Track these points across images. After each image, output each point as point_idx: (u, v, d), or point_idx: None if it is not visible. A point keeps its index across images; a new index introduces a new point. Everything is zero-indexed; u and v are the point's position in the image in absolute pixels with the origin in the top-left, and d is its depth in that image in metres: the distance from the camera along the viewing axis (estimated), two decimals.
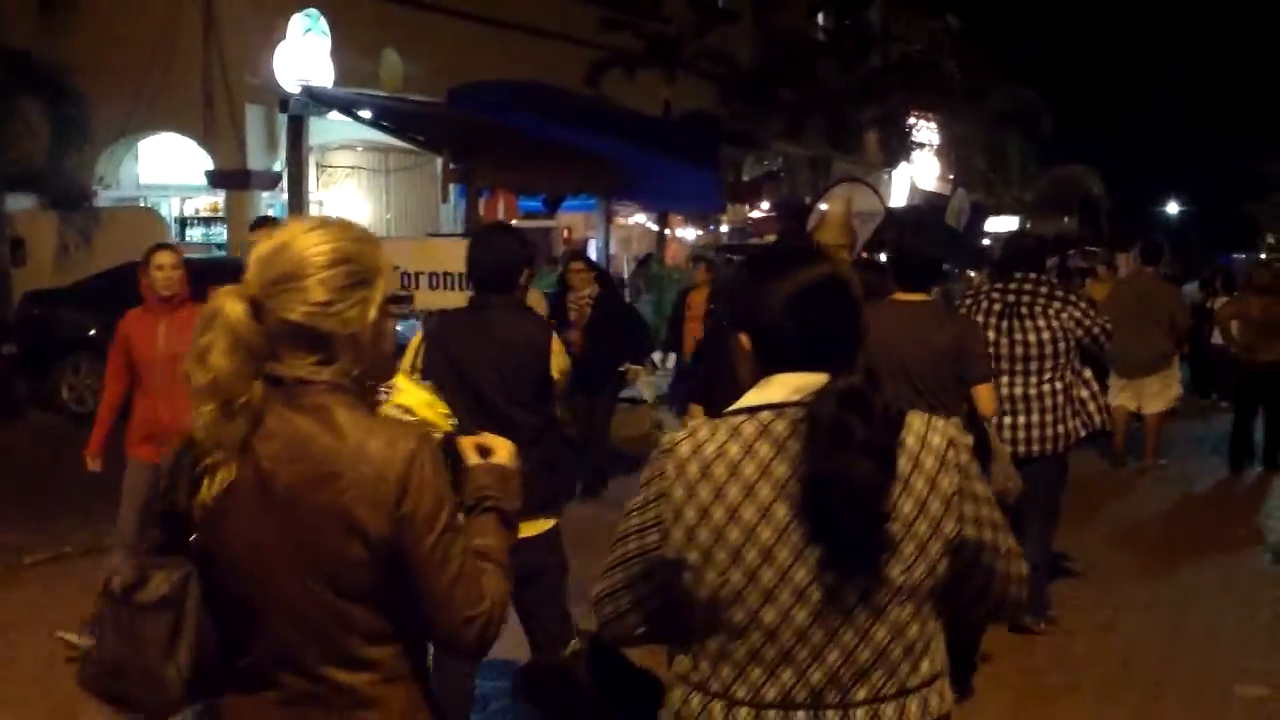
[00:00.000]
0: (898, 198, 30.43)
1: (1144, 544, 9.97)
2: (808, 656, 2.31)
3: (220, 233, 19.99)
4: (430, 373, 4.59)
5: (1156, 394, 12.96)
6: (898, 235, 7.39)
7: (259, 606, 2.35)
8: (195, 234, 20.74)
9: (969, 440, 2.45)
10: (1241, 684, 6.82)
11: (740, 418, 2.37)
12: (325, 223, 2.44)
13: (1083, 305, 7.17)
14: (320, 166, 20.77)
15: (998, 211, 38.37)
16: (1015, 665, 6.85)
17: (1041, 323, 6.97)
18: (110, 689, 2.43)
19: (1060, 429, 7.10)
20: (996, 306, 7.10)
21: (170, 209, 20.68)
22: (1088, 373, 7.45)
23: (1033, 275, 7.18)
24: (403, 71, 20.16)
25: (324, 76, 18.71)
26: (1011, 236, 8.29)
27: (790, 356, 2.37)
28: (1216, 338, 16.76)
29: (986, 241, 33.93)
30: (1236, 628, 7.88)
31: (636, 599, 2.45)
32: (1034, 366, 7.03)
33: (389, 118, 18.74)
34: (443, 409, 2.85)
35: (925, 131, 36.54)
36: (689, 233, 27.33)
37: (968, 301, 7.45)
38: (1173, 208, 74.69)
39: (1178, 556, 9.63)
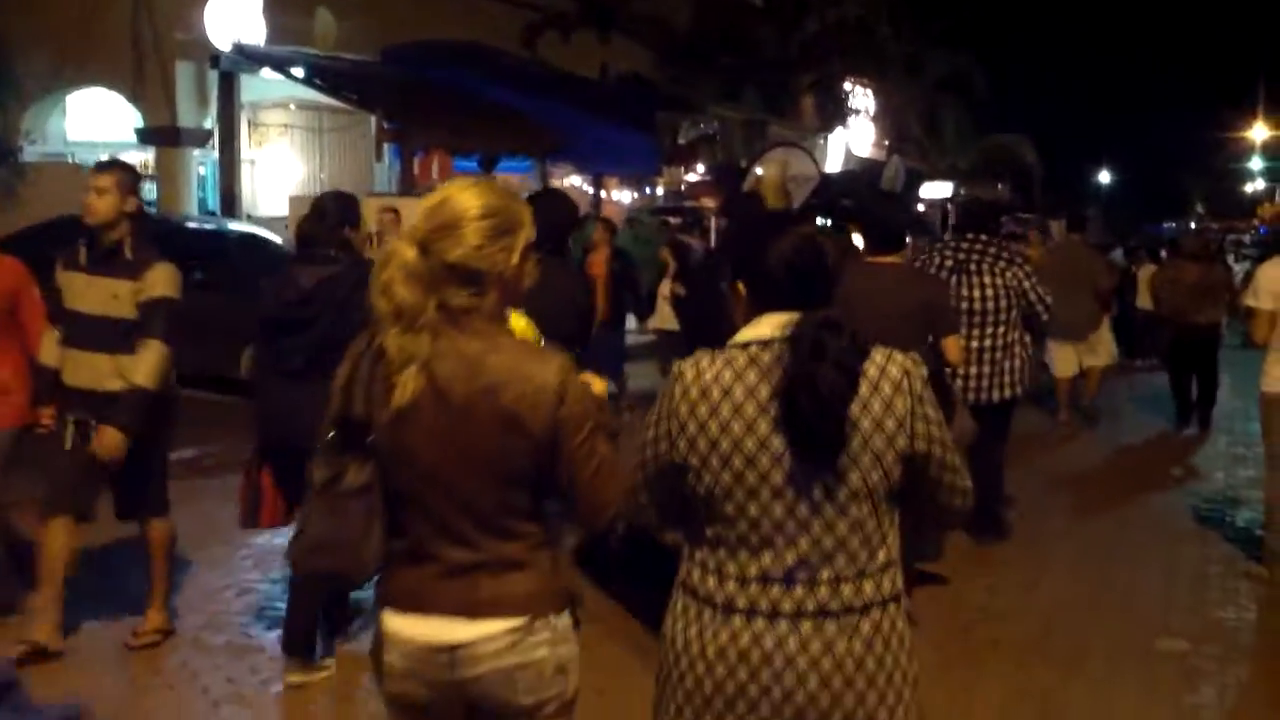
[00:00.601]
0: (833, 163, 30.49)
1: (1070, 503, 10.11)
2: (783, 543, 2.84)
3: (150, 190, 19.72)
4: None
5: (1093, 350, 13.69)
6: (870, 202, 8.25)
7: (430, 493, 2.90)
8: None
9: (924, 371, 2.92)
10: (1163, 639, 6.94)
11: (734, 351, 2.91)
12: (479, 182, 3.00)
13: (1027, 268, 7.75)
14: (253, 124, 20.53)
15: (932, 178, 38.53)
16: (941, 623, 6.92)
17: (988, 279, 7.56)
18: (318, 564, 3.04)
19: (1005, 379, 7.76)
20: (948, 263, 7.69)
21: None
22: (1026, 337, 8.00)
23: (983, 236, 7.77)
24: (336, 30, 19.92)
25: (256, 33, 18.46)
26: (965, 200, 8.88)
27: (779, 299, 2.92)
28: (1141, 302, 17.23)
29: (921, 208, 34.10)
30: (1159, 585, 8.00)
31: (653, 496, 3.03)
32: (979, 320, 7.64)
33: (322, 76, 18.54)
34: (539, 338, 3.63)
35: (861, 98, 36.62)
36: (625, 195, 27.28)
37: (921, 258, 8.00)
38: (1105, 177, 75.44)
39: (1103, 516, 9.78)
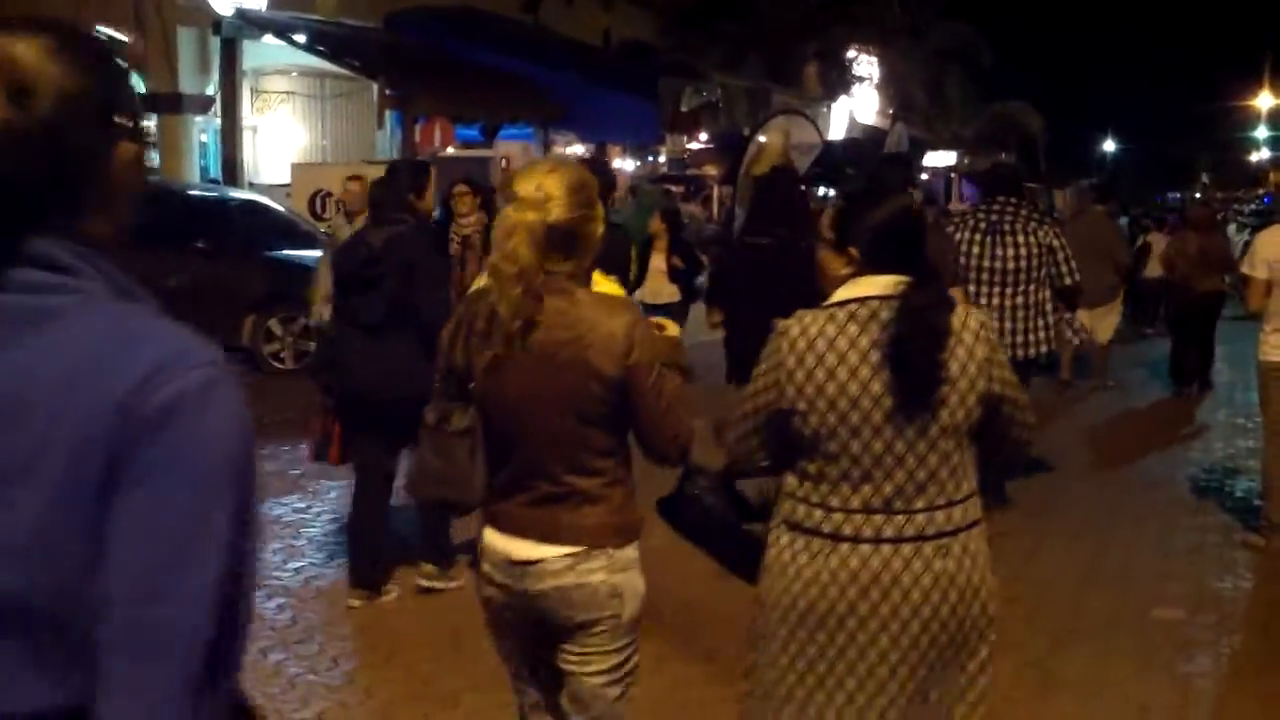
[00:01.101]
0: (836, 131, 30.44)
1: (1070, 473, 10.13)
2: (881, 476, 3.23)
3: (153, 158, 19.69)
4: None
5: (1103, 322, 13.70)
6: (876, 166, 8.43)
7: (521, 434, 3.33)
8: None
9: (994, 324, 3.38)
10: (1159, 608, 6.97)
11: (835, 309, 3.29)
12: (563, 161, 3.49)
13: (1057, 229, 8.05)
14: (254, 91, 20.45)
15: (936, 146, 38.45)
16: None
17: (1021, 239, 7.85)
18: (433, 493, 3.49)
19: (1034, 337, 8.01)
20: (981, 225, 8.00)
21: None
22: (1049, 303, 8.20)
23: (1013, 200, 8.07)
24: None
25: None
26: (994, 165, 9.13)
27: (883, 261, 3.29)
28: (1150, 271, 17.26)
29: (925, 176, 34.05)
30: (1156, 555, 8.03)
31: (761, 439, 3.40)
32: (1010, 279, 7.92)
33: (324, 42, 18.50)
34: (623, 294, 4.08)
35: (865, 65, 36.50)
36: (627, 163, 27.25)
37: (955, 221, 8.36)
38: (1110, 146, 75.23)
39: (1102, 487, 9.81)
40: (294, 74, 21.06)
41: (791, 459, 3.36)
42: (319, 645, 6.27)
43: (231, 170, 18.48)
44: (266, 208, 15.55)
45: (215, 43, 18.18)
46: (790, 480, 3.39)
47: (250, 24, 17.94)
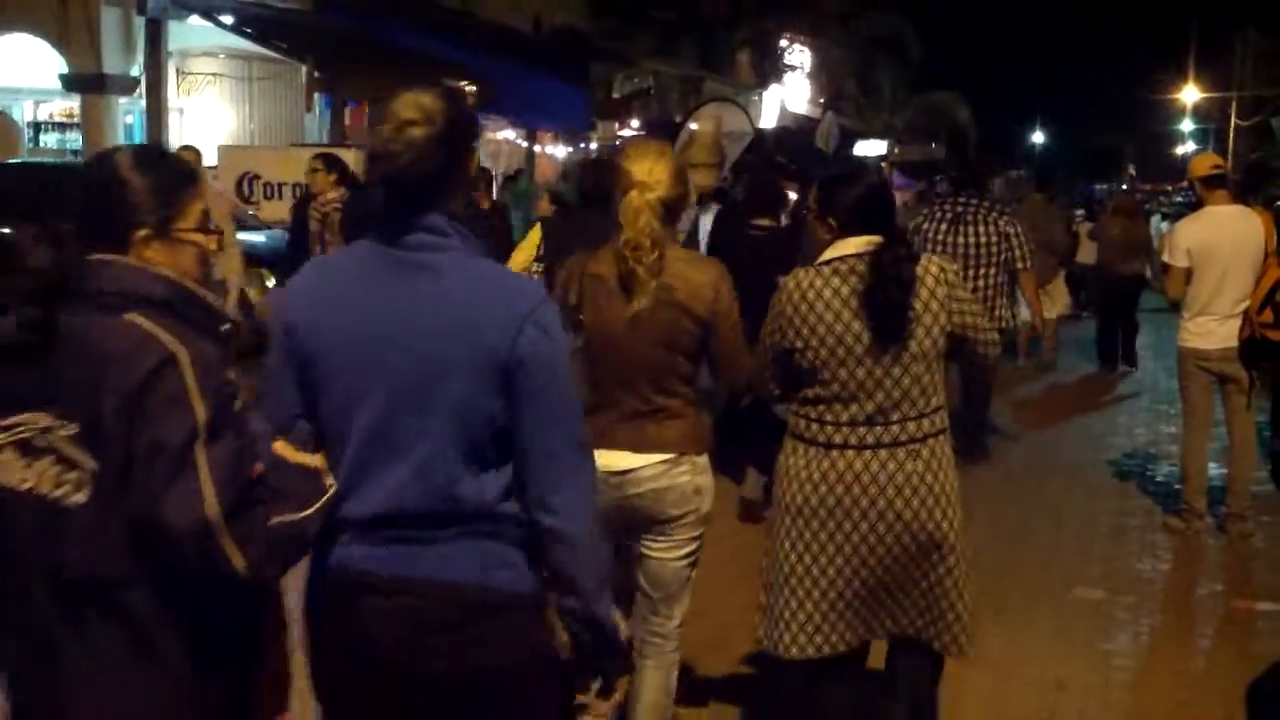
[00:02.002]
0: (768, 119, 30.50)
1: (994, 454, 10.23)
2: (864, 396, 4.02)
3: (76, 139, 19.39)
4: (547, 256, 6.96)
5: (1051, 299, 14.50)
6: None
7: (620, 359, 4.08)
8: (50, 140, 20.10)
9: (954, 267, 4.15)
10: (1080, 588, 7.06)
11: (822, 266, 4.08)
12: (660, 145, 4.32)
13: (1015, 222, 8.65)
14: (180, 73, 20.19)
15: (867, 136, 38.65)
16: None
17: (981, 228, 8.48)
18: None
19: (994, 315, 8.40)
20: (948, 215, 8.63)
21: (23, 113, 19.97)
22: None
23: (976, 194, 8.77)
24: None
25: None
26: (960, 163, 9.80)
27: (855, 228, 4.08)
28: (1081, 257, 17.61)
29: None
30: (1078, 537, 8.14)
31: (773, 372, 4.21)
32: (972, 263, 8.49)
33: (252, 24, 18.29)
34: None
35: (797, 54, 36.61)
36: (559, 149, 27.18)
37: (924, 212, 9.14)
38: (1039, 137, 75.92)
39: (1026, 470, 9.95)
40: (221, 55, 20.82)
41: (795, 386, 4.17)
42: None
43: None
44: None
45: (140, 23, 17.88)
46: (795, 401, 4.20)
47: (176, 4, 17.67)
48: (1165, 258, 8.14)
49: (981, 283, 8.50)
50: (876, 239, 4.04)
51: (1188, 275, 7.87)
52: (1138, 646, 6.37)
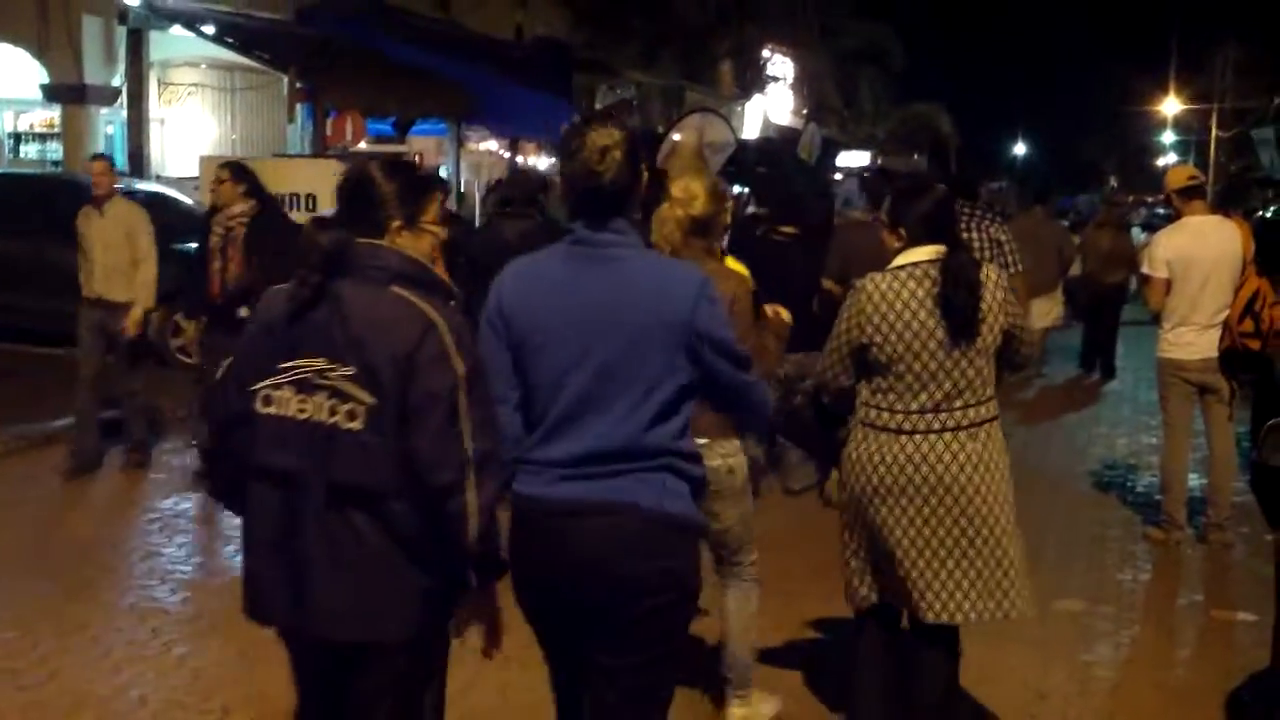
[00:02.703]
0: (750, 130, 30.57)
1: None
2: (933, 386, 4.54)
3: (56, 149, 19.33)
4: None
5: (1043, 312, 14.18)
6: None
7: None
8: (30, 150, 20.01)
9: (1005, 274, 4.88)
10: (1061, 599, 7.06)
11: (896, 270, 4.58)
12: (701, 169, 4.95)
13: (1005, 230, 8.55)
14: (162, 83, 20.15)
15: (849, 147, 38.74)
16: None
17: (975, 234, 8.30)
18: None
19: None
20: None
21: (3, 123, 19.91)
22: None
23: (969, 202, 8.57)
24: None
25: None
26: (956, 175, 9.86)
27: (925, 238, 4.59)
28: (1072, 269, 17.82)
29: (838, 176, 34.26)
30: (1059, 548, 8.14)
31: (845, 366, 4.70)
32: None
33: (234, 34, 18.28)
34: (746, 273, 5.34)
35: (780, 65, 36.68)
36: (541, 160, 27.17)
37: None
38: (1020, 148, 76.15)
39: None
40: (203, 66, 20.79)
41: (867, 377, 4.66)
42: (223, 638, 6.20)
43: (138, 163, 18.21)
44: (174, 201, 15.32)
45: (121, 33, 17.89)
46: (864, 392, 4.68)
47: (158, 14, 17.70)
48: (1145, 269, 8.17)
49: None
50: (943, 247, 4.57)
51: (1167, 286, 7.90)
52: (1118, 657, 6.38)
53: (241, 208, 8.71)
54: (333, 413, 3.16)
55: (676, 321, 3.35)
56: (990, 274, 4.58)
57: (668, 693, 3.63)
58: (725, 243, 6.98)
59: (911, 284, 4.53)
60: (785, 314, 4.97)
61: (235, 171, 9.00)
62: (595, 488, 3.37)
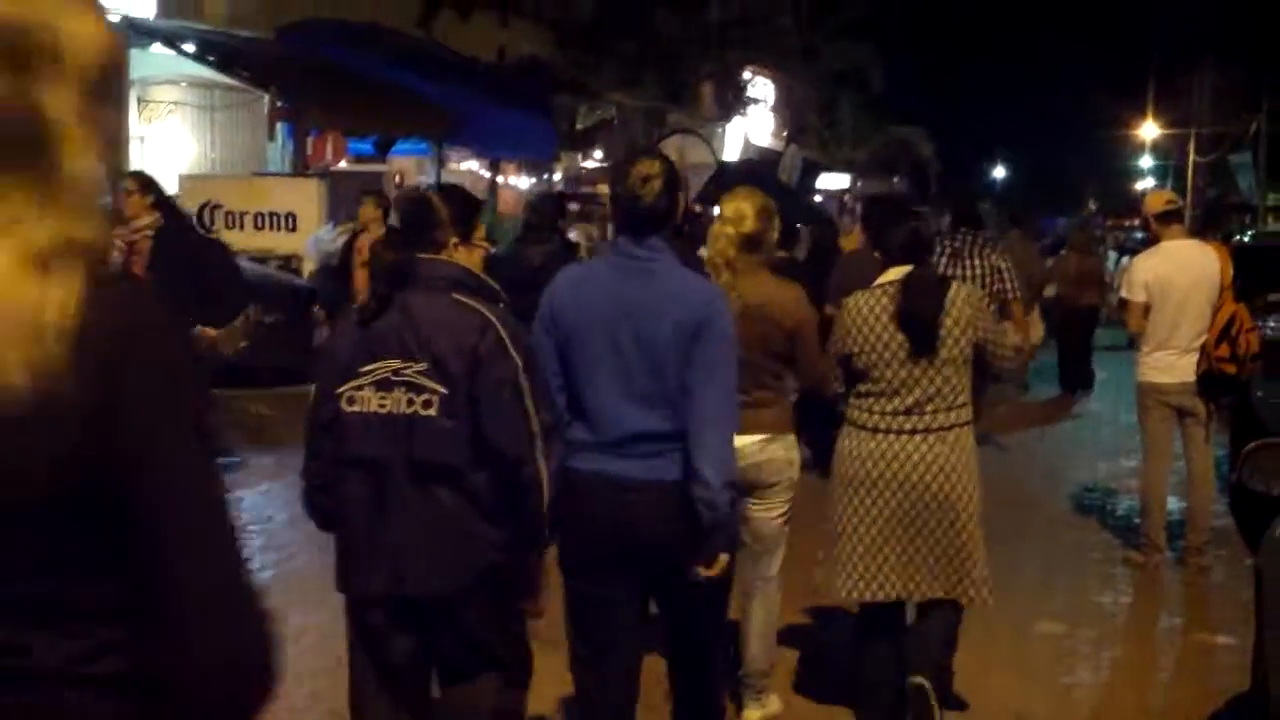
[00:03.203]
0: (731, 152, 30.62)
1: None
2: (905, 392, 5.09)
3: None
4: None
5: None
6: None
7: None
8: None
9: (980, 292, 5.99)
10: (1041, 621, 7.06)
11: (874, 289, 5.18)
12: (752, 191, 5.50)
13: (1006, 257, 9.26)
14: (141, 101, 20.08)
15: (830, 169, 38.82)
16: (825, 601, 6.97)
17: (977, 260, 8.97)
18: None
19: None
20: (947, 250, 9.11)
21: None
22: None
23: (973, 230, 9.33)
24: (229, 5, 19.61)
25: (146, 7, 18.10)
26: (959, 203, 10.34)
27: (899, 259, 5.22)
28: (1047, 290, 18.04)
29: (818, 199, 34.33)
30: (1039, 571, 8.15)
31: (836, 373, 5.30)
32: None
33: (214, 52, 18.23)
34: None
35: (761, 87, 36.76)
36: (522, 180, 27.16)
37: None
38: (1000, 172, 76.38)
39: (987, 503, 9.89)
40: (183, 84, 20.71)
41: (851, 383, 5.25)
42: None
43: (117, 180, 18.14)
44: None
45: None
46: (851, 395, 5.27)
47: (138, 31, 17.62)
48: (1124, 293, 8.20)
49: None
50: (908, 268, 5.16)
51: (1145, 309, 7.92)
52: (1098, 680, 6.38)
53: (147, 220, 8.42)
54: (410, 404, 3.74)
55: (691, 319, 3.95)
56: (961, 292, 5.13)
57: (724, 606, 4.44)
58: None
59: (884, 300, 5.11)
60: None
61: (142, 183, 8.63)
62: (634, 465, 3.97)
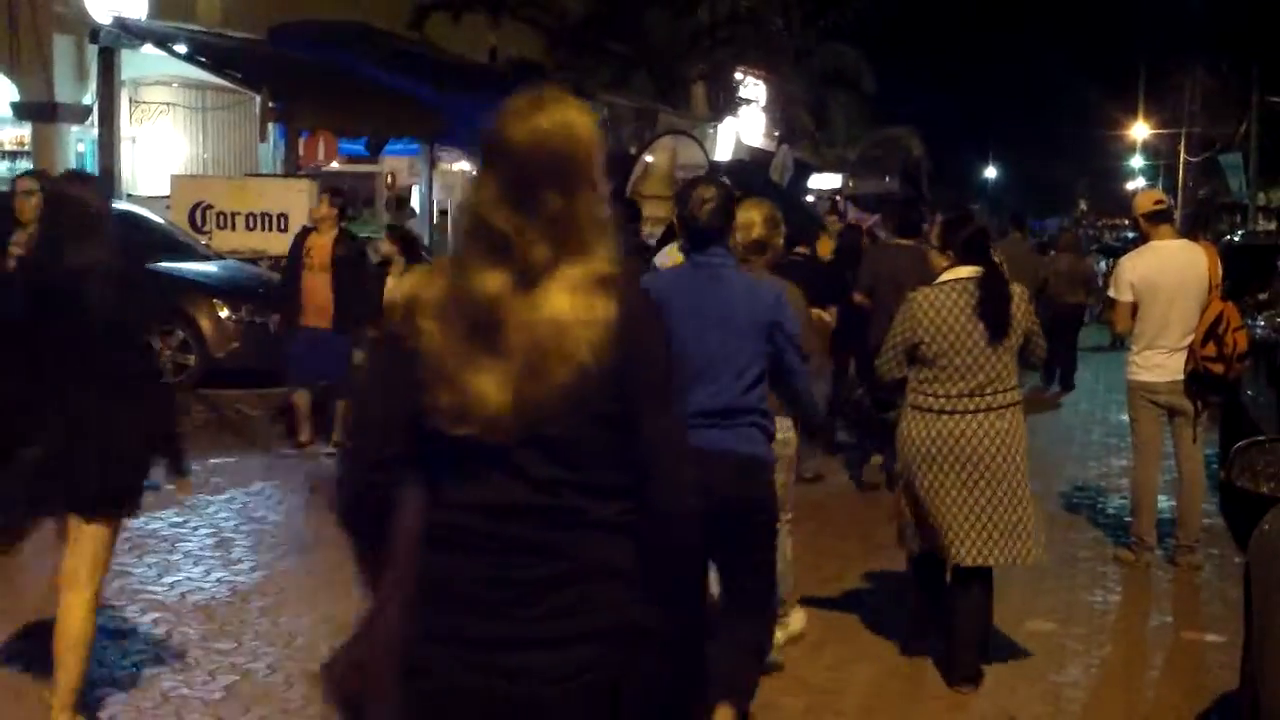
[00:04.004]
0: (723, 152, 30.58)
1: None
2: (970, 376, 5.85)
3: (27, 168, 19.22)
4: None
5: None
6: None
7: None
8: (0, 167, 19.93)
9: (1027, 290, 6.23)
10: (1032, 620, 7.08)
11: (942, 285, 5.94)
12: (760, 200, 6.03)
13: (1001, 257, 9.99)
14: (134, 102, 20.07)
15: (822, 169, 38.81)
16: (823, 617, 7.00)
17: (998, 257, 9.26)
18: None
19: None
20: None
21: None
22: None
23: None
24: (221, 6, 19.61)
25: (138, 8, 18.06)
26: (918, 195, 11.15)
27: (965, 259, 6.00)
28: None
29: (810, 199, 34.33)
30: (1028, 570, 8.12)
31: (899, 359, 6.02)
32: None
33: (206, 53, 18.22)
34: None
35: (752, 88, 36.75)
36: None
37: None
38: (991, 172, 76.43)
39: None
40: (175, 85, 20.72)
41: (915, 369, 5.95)
42: (195, 660, 6.16)
43: (109, 181, 18.09)
44: (145, 220, 15.25)
45: (93, 51, 17.79)
46: (913, 381, 5.97)
47: (129, 33, 17.61)
48: (1111, 293, 8.23)
49: None
50: (980, 268, 5.96)
51: (1134, 309, 7.95)
52: (1089, 678, 6.41)
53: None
54: None
55: (764, 319, 4.97)
56: (1016, 289, 6.01)
57: (771, 568, 5.31)
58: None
59: (954, 295, 5.88)
60: (828, 316, 7.10)
61: (38, 177, 8.31)
62: (707, 436, 4.50)
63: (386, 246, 11.13)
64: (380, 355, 2.86)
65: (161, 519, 8.55)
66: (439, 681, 2.62)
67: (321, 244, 10.70)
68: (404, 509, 2.66)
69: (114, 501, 5.06)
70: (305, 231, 11.12)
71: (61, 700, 5.01)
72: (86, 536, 5.00)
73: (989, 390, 5.86)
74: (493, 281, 2.58)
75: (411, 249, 11.26)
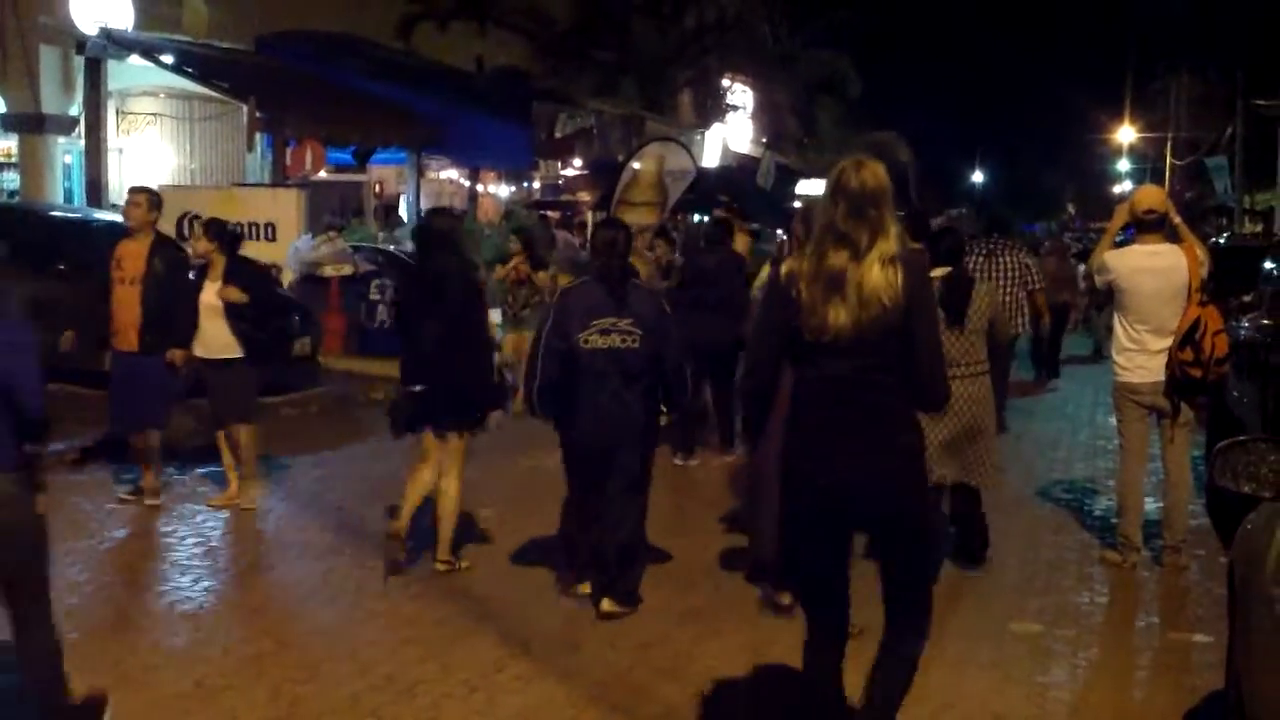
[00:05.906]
0: (710, 158, 30.62)
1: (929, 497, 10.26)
2: (946, 349, 6.22)
3: (14, 179, 19.20)
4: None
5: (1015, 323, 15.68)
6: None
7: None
8: None
9: (995, 289, 9.24)
10: (1018, 622, 7.10)
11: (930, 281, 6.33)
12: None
13: (1032, 259, 12.51)
14: (120, 113, 20.06)
15: (808, 175, 38.88)
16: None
17: (1008, 258, 11.93)
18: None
19: (1014, 321, 11.43)
20: (985, 250, 11.96)
21: None
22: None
23: (1005, 237, 12.61)
24: (207, 17, 19.61)
25: (124, 19, 18.06)
26: (993, 213, 12.44)
27: (941, 261, 7.59)
28: None
29: (797, 204, 34.33)
30: (1017, 571, 8.19)
31: None
32: (1003, 284, 11.61)
33: (192, 64, 18.24)
34: None
35: (739, 94, 36.82)
36: (502, 189, 27.18)
37: (969, 249, 11.16)
38: (978, 176, 76.59)
39: None
40: (162, 95, 20.72)
41: None
42: (178, 669, 6.15)
43: (96, 192, 18.08)
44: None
45: (79, 62, 17.79)
46: None
47: (115, 44, 17.62)
48: (1096, 276, 8.32)
49: (1008, 297, 11.46)
50: (949, 269, 7.64)
51: (1113, 298, 8.06)
52: (1075, 679, 6.42)
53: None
54: (623, 342, 6.97)
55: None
56: (981, 288, 7.89)
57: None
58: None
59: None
60: None
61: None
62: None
63: (514, 245, 14.12)
64: (771, 300, 4.76)
65: (150, 529, 8.54)
66: (803, 478, 4.56)
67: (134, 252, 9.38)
68: (784, 382, 4.63)
69: (466, 424, 7.73)
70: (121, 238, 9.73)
71: (441, 552, 7.73)
72: (452, 444, 7.68)
73: (961, 361, 7.45)
74: (839, 258, 4.49)
75: (532, 248, 14.08)
